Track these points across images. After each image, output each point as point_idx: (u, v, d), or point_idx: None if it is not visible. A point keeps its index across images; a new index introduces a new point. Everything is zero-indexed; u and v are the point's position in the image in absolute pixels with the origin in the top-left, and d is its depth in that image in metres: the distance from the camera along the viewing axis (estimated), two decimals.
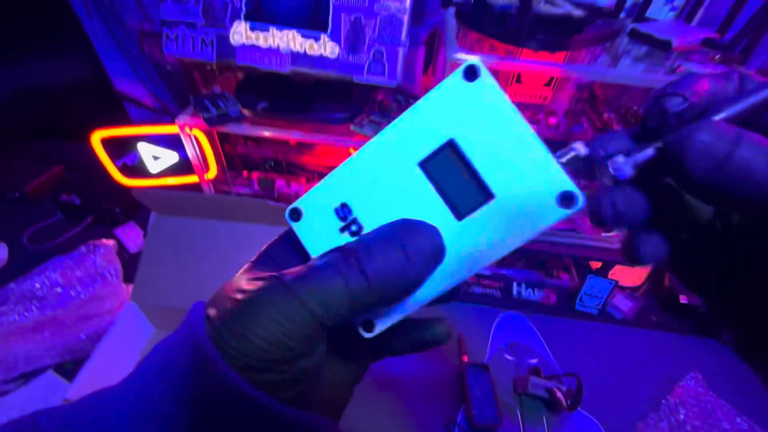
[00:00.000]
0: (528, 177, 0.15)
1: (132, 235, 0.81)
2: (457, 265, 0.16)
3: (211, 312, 0.15)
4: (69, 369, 0.60)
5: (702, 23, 0.62)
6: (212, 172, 0.76)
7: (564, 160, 0.15)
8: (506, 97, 0.15)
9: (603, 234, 0.67)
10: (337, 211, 0.17)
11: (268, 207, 0.58)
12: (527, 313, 0.71)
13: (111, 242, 0.66)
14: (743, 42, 0.54)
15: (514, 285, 0.76)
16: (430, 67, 0.73)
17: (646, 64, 0.58)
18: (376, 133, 0.61)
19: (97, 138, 0.71)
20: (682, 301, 0.70)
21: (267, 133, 0.63)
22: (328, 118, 0.63)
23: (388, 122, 0.63)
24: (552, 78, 0.66)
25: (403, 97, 0.67)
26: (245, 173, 0.86)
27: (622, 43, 0.59)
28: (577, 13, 0.48)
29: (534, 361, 0.65)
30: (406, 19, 0.52)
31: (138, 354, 0.61)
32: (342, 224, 0.17)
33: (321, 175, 0.91)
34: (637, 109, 0.64)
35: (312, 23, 0.54)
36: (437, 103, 0.16)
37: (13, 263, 0.72)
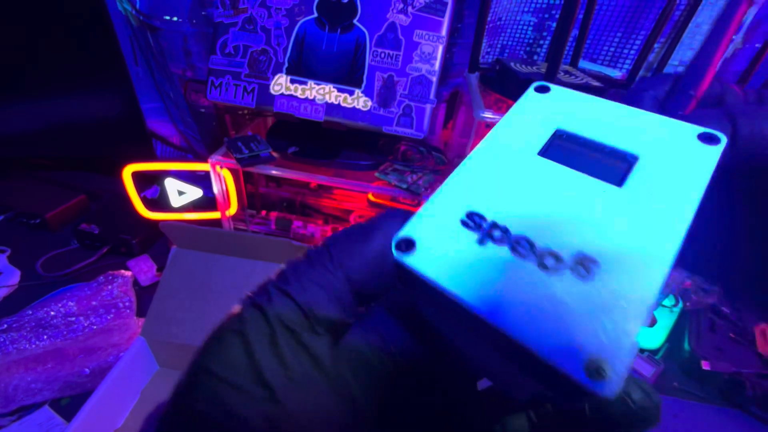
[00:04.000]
0: (656, 136, 0.13)
1: (145, 268, 0.81)
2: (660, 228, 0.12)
3: None
4: (64, 405, 0.57)
5: None
6: (233, 209, 0.78)
7: None
8: (579, 93, 0.15)
9: None
10: (465, 223, 0.13)
11: (290, 246, 0.59)
12: None
13: (128, 273, 0.66)
14: None
15: None
16: (450, 122, 0.77)
17: None
18: (399, 180, 0.63)
19: (128, 171, 0.74)
20: (704, 368, 0.68)
21: (294, 175, 0.66)
22: (354, 165, 0.66)
23: (412, 172, 0.65)
24: None
25: (426, 149, 0.71)
26: (263, 212, 0.88)
27: None
28: (595, 83, 0.52)
29: None
30: (435, 80, 0.57)
31: (139, 393, 0.59)
32: (478, 235, 0.13)
33: (335, 218, 0.93)
34: None
35: (347, 79, 0.59)
36: (522, 114, 0.15)
37: (23, 290, 0.71)
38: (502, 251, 0.12)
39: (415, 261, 0.13)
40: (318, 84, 0.59)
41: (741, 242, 0.16)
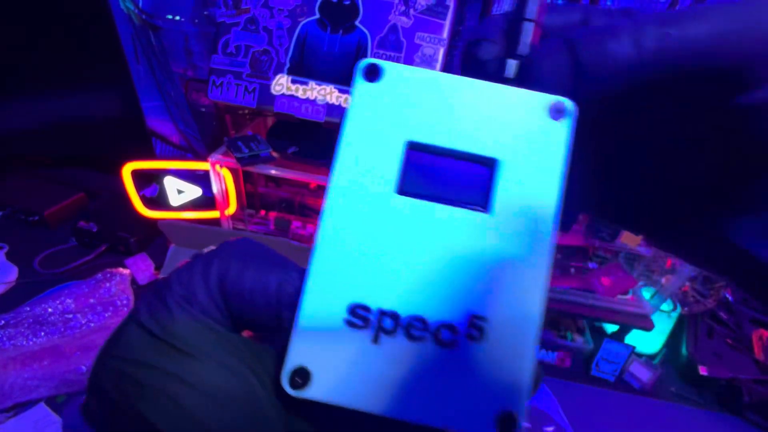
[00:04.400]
0: (507, 120, 0.12)
1: (143, 267, 0.80)
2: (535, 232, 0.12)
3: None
4: (60, 403, 0.57)
5: None
6: (232, 209, 0.78)
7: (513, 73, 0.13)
8: (414, 68, 0.13)
9: (618, 296, 0.67)
10: (351, 323, 0.12)
11: (289, 246, 0.59)
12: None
13: (126, 271, 0.66)
14: None
15: None
16: None
17: None
18: None
19: (128, 170, 0.74)
20: (702, 373, 0.68)
21: (294, 175, 0.66)
22: None
23: None
24: None
25: None
26: (262, 212, 0.88)
27: None
28: None
29: (551, 429, 0.61)
30: None
31: None
32: (371, 333, 0.12)
33: None
34: None
35: (349, 80, 0.59)
36: (362, 126, 0.13)
37: (21, 286, 0.71)
38: (399, 342, 0.12)
39: (315, 392, 0.12)
40: (319, 84, 0.60)
41: (613, 177, 0.15)
